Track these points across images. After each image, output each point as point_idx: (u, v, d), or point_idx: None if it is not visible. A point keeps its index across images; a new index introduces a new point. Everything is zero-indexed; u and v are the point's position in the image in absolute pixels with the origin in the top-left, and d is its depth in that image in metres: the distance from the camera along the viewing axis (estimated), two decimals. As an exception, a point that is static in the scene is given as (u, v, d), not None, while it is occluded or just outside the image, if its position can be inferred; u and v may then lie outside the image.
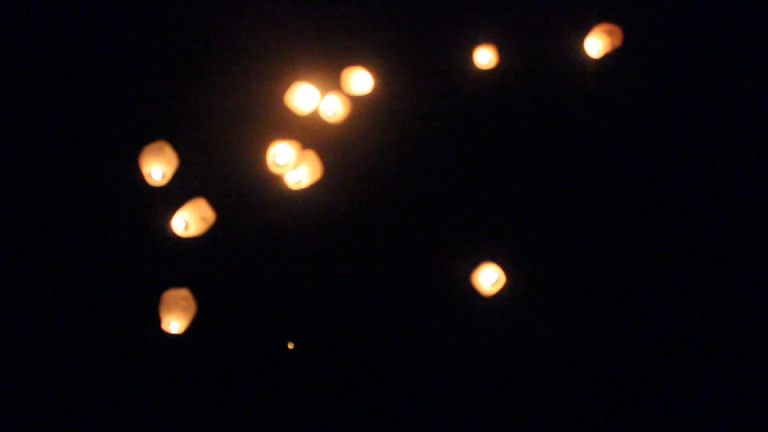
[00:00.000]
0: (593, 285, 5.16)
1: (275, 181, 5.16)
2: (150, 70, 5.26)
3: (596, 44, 5.34)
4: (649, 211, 5.23)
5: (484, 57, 5.34)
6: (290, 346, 5.02)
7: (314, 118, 5.23)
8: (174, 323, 4.91)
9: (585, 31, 5.34)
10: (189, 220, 5.04)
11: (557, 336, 5.09)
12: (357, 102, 5.25)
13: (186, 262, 5.06)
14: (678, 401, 5.04)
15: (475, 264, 5.12)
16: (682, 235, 5.22)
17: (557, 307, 5.12)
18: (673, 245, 5.20)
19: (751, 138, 5.30)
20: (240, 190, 5.16)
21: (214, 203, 5.10)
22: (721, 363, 5.07)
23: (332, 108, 5.22)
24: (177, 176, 5.10)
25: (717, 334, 5.10)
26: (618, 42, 5.33)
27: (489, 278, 5.10)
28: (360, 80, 5.27)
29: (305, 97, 5.22)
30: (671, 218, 5.23)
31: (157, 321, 4.92)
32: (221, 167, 5.17)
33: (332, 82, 5.25)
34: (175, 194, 5.08)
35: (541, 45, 5.34)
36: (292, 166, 5.13)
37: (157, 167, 5.04)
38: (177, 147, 5.10)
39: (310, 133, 5.20)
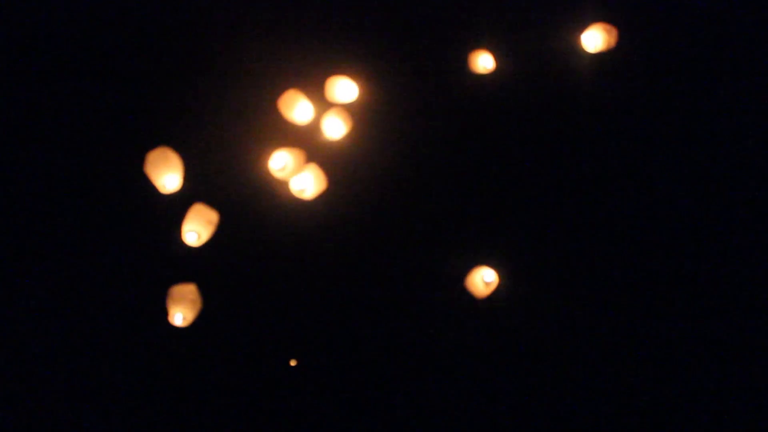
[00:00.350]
0: (588, 287, 5.16)
1: (280, 187, 5.23)
2: (149, 75, 5.33)
3: (593, 39, 5.35)
4: (644, 212, 5.24)
5: (482, 62, 5.35)
6: (293, 363, 5.07)
7: (316, 132, 5.29)
8: (179, 315, 5.00)
9: (580, 30, 5.37)
10: (199, 231, 5.12)
11: (551, 337, 5.09)
12: (355, 113, 5.30)
13: (193, 264, 5.14)
14: (672, 403, 5.04)
15: (470, 266, 5.14)
16: (677, 235, 5.22)
17: (551, 309, 5.12)
18: (667, 246, 5.20)
19: (747, 136, 5.32)
20: (243, 194, 5.22)
21: (219, 208, 5.16)
22: (716, 366, 5.06)
23: (334, 125, 5.28)
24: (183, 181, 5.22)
25: (711, 337, 5.10)
26: (613, 42, 5.35)
27: (484, 280, 5.12)
28: (345, 89, 5.31)
29: (301, 109, 5.27)
30: (666, 219, 5.23)
31: (164, 318, 5.02)
32: (224, 172, 5.23)
33: (329, 91, 5.32)
34: (182, 199, 5.17)
35: (537, 47, 5.37)
36: (291, 171, 5.19)
37: (171, 176, 5.13)
38: (179, 152, 5.18)
39: (313, 146, 5.26)
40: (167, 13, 5.40)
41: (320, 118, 5.29)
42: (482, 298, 5.12)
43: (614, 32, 5.34)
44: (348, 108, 5.31)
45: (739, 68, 5.38)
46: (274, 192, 5.21)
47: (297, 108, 5.27)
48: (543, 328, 5.11)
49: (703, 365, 5.07)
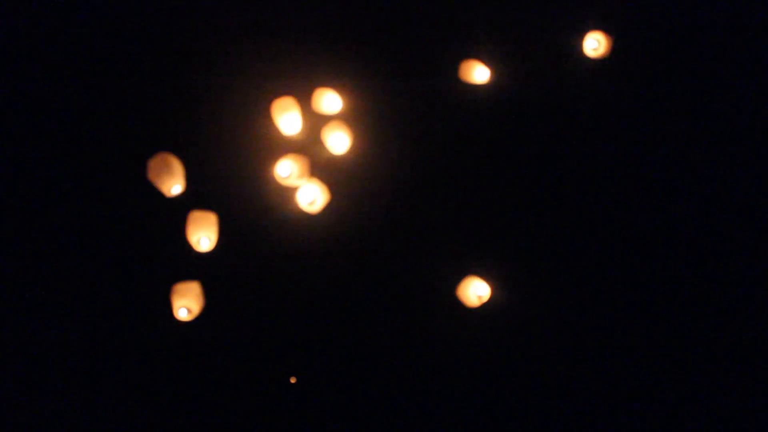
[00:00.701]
0: (584, 299, 5.16)
1: (285, 195, 5.27)
2: (149, 79, 5.37)
3: (594, 43, 5.37)
4: (641, 223, 5.23)
5: (478, 73, 5.36)
6: (293, 380, 5.13)
7: (309, 144, 5.32)
8: (184, 309, 5.09)
9: (581, 35, 5.38)
10: (210, 236, 5.19)
11: (544, 348, 5.09)
12: (345, 124, 5.33)
13: (198, 268, 5.21)
14: (669, 412, 5.04)
15: (460, 277, 5.15)
16: (676, 245, 5.21)
17: (544, 320, 5.12)
18: (666, 256, 5.20)
19: (746, 141, 5.32)
20: (246, 199, 5.27)
21: (221, 212, 5.23)
22: (715, 374, 5.07)
23: (338, 141, 5.31)
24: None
25: (710, 344, 5.09)
26: (607, 51, 5.37)
27: (475, 291, 5.12)
28: (332, 100, 5.33)
29: (289, 120, 5.31)
30: (664, 229, 5.22)
31: (167, 318, 5.10)
32: (227, 177, 5.28)
33: (316, 102, 5.33)
34: (185, 202, 5.24)
35: (534, 52, 5.38)
36: (297, 177, 5.24)
37: (174, 182, 5.20)
38: (181, 157, 5.25)
39: (313, 158, 5.30)
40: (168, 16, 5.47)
41: (309, 129, 5.31)
42: (474, 308, 5.13)
43: (611, 39, 5.36)
44: (336, 119, 5.33)
45: (739, 72, 5.39)
46: (279, 198, 5.25)
47: (285, 119, 5.30)
48: (537, 338, 5.12)
49: (701, 372, 5.08)
